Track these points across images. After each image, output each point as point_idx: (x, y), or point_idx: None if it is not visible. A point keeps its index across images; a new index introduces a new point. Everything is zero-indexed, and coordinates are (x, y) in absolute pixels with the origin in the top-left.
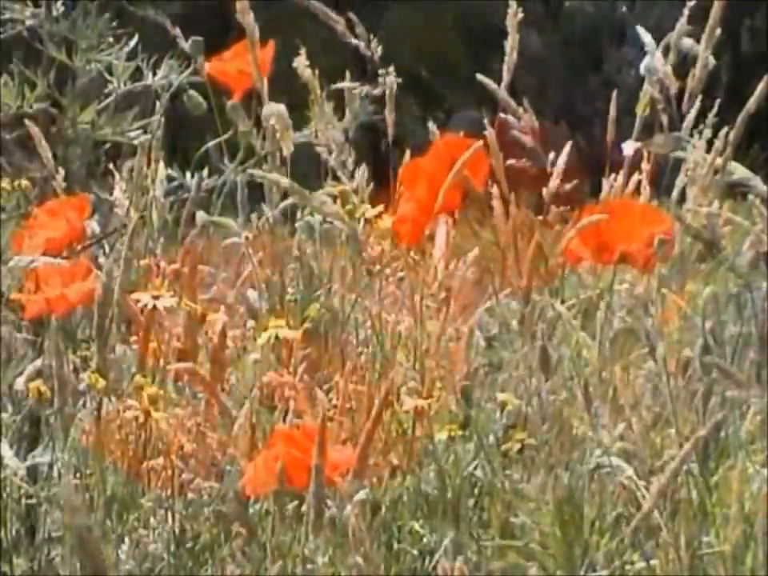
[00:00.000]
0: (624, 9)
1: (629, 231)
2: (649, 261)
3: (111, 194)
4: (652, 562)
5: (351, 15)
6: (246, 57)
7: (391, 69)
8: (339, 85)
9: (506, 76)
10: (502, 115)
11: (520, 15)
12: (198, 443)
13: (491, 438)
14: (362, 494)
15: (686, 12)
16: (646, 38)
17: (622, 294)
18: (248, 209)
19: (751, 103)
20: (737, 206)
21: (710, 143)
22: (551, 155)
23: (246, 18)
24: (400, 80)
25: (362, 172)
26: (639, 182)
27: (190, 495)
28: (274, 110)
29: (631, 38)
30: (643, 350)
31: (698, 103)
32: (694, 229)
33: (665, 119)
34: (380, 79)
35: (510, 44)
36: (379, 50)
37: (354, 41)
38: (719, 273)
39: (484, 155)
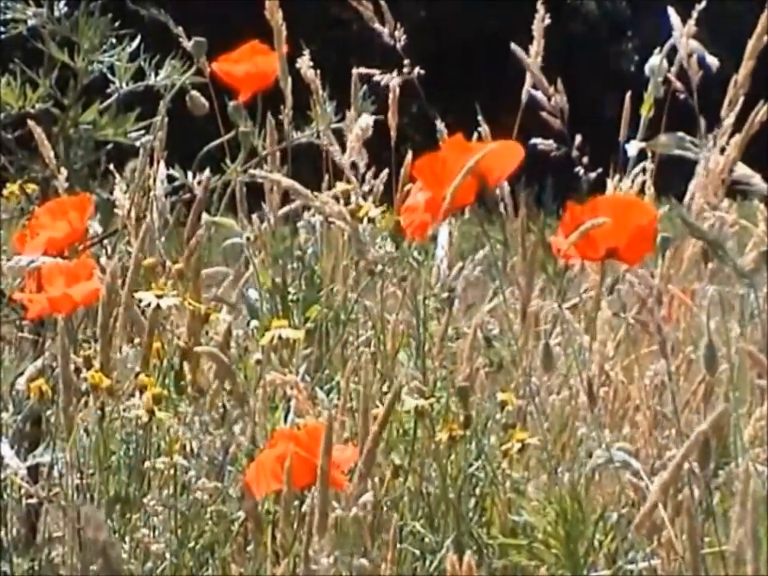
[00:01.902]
0: (624, 3)
1: (614, 225)
2: (636, 254)
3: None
4: (653, 561)
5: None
6: (254, 59)
7: (404, 68)
8: (362, 70)
9: (528, 78)
10: (532, 92)
11: (547, 21)
12: (201, 442)
13: (492, 439)
14: (368, 496)
15: (694, 14)
16: (675, 20)
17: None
18: (246, 208)
19: (763, 113)
20: (736, 206)
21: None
22: (578, 139)
23: (275, 16)
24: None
25: (382, 176)
26: (643, 182)
27: (192, 495)
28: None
29: (633, 36)
30: (651, 348)
31: (737, 109)
32: (699, 229)
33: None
34: (405, 70)
35: (535, 48)
36: (403, 39)
37: (380, 27)
38: (724, 273)
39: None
